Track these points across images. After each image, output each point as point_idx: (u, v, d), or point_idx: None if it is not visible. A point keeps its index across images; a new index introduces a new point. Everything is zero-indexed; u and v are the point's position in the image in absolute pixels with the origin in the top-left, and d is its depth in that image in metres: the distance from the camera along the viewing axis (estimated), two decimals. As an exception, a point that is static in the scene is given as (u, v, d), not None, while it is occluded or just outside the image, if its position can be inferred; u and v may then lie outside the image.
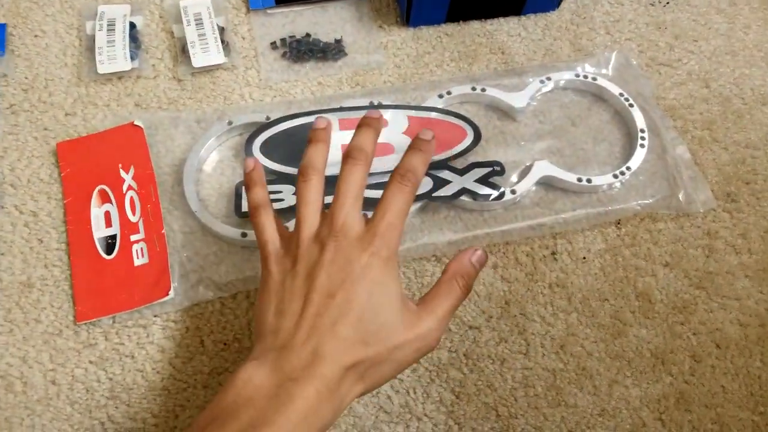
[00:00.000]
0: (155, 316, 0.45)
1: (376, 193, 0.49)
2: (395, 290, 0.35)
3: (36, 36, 0.56)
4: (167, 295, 0.45)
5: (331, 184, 0.48)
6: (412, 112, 0.54)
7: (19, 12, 0.57)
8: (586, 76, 0.57)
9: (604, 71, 0.59)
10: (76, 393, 0.42)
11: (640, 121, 0.55)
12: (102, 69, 0.53)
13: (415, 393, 0.44)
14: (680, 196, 0.52)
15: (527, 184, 0.51)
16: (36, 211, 0.48)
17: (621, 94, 0.57)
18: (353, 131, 0.52)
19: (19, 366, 0.43)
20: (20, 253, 0.46)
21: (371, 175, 0.50)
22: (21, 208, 0.48)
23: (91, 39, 0.56)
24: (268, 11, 0.60)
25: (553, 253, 0.50)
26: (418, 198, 0.49)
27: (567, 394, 0.45)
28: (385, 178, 0.50)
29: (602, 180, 0.52)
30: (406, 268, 0.48)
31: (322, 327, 0.33)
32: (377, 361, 0.34)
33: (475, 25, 0.61)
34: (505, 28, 0.61)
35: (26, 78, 0.54)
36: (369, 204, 0.48)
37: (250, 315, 0.46)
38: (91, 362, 0.43)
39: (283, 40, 0.58)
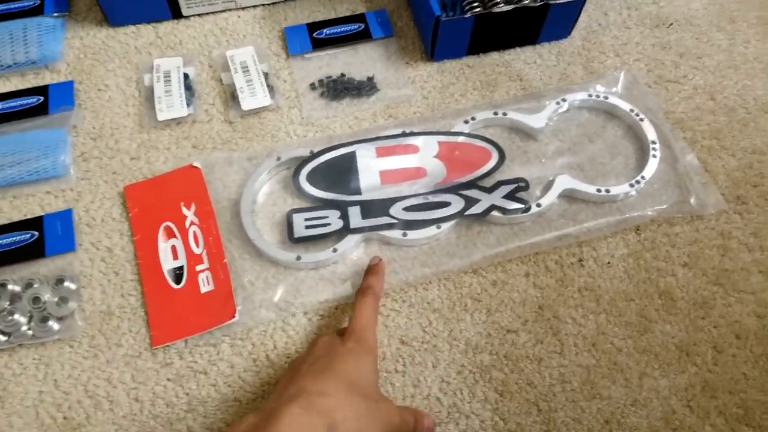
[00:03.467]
0: (224, 335, 0.49)
1: (417, 215, 0.53)
2: (371, 371, 0.42)
3: (99, 90, 0.61)
4: (233, 317, 0.49)
5: (372, 206, 0.53)
6: (442, 138, 0.58)
7: (83, 69, 0.62)
8: (598, 96, 0.61)
9: (614, 90, 0.62)
10: (157, 408, 0.46)
11: (651, 134, 0.59)
12: (161, 116, 0.58)
13: (461, 393, 0.47)
14: (692, 200, 0.55)
15: (551, 197, 0.55)
16: (111, 247, 0.52)
17: (631, 110, 0.60)
18: (389, 158, 0.57)
19: (105, 386, 0.47)
20: (99, 285, 0.51)
21: (409, 197, 0.54)
22: (97, 245, 0.53)
23: (150, 90, 0.60)
24: (306, 56, 0.65)
25: (580, 260, 0.53)
26: (451, 217, 0.53)
27: (601, 388, 0.47)
28: (420, 200, 0.54)
29: (619, 189, 0.55)
30: (447, 281, 0.52)
31: (306, 375, 0.39)
32: (345, 405, 0.37)
33: (494, 56, 0.65)
34: (522, 57, 0.65)
35: (94, 128, 0.59)
36: (411, 225, 0.52)
37: (309, 330, 0.49)
38: (168, 380, 0.47)
39: (320, 80, 0.63)
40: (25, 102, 0.58)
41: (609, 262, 0.53)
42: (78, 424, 0.45)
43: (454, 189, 0.55)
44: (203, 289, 0.50)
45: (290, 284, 0.51)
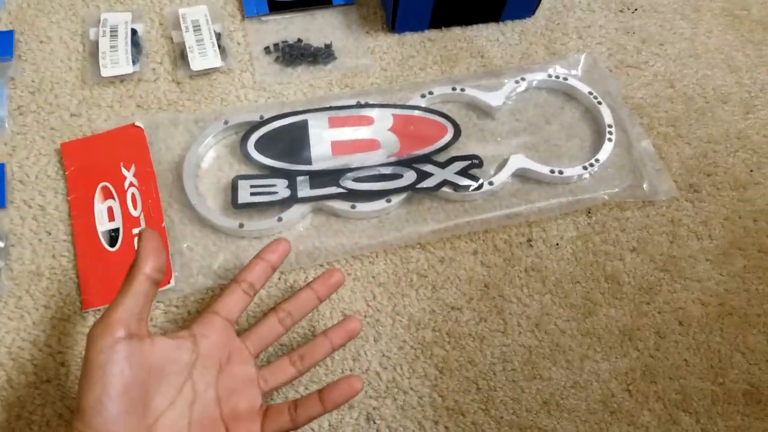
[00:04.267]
0: (158, 301, 0.47)
1: (367, 186, 0.52)
2: None
3: (42, 42, 0.58)
4: (169, 283, 0.47)
5: (322, 176, 0.51)
6: (397, 111, 0.57)
7: (25, 19, 0.59)
8: (557, 77, 0.60)
9: (574, 72, 0.62)
10: (84, 373, 0.44)
11: (608, 118, 0.58)
12: (105, 72, 0.55)
13: (401, 369, 0.46)
14: (645, 186, 0.55)
15: (504, 176, 0.54)
16: (44, 206, 0.50)
17: (590, 93, 0.60)
18: (342, 128, 0.55)
19: (29, 349, 0.44)
20: (29, 245, 0.48)
21: (360, 168, 0.53)
22: (29, 202, 0.50)
23: (95, 44, 0.58)
24: (262, 18, 0.62)
25: (529, 240, 0.52)
26: (402, 190, 0.52)
27: (542, 369, 0.47)
28: (373, 172, 0.53)
29: (573, 171, 0.55)
30: (393, 255, 0.51)
31: None
32: None
33: (456, 31, 0.64)
34: (485, 34, 0.64)
35: (33, 81, 0.56)
36: (361, 196, 0.51)
37: (261, 296, 0.48)
38: (98, 344, 0.45)
39: (276, 45, 0.61)
40: (-41, 49, 0.55)
41: (557, 244, 0.52)
42: (-3, 388, 0.43)
43: (407, 162, 0.54)
44: (139, 253, 0.48)
45: (231, 252, 0.49)
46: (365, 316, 0.48)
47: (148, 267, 0.36)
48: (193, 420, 0.37)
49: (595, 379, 0.47)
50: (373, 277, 0.50)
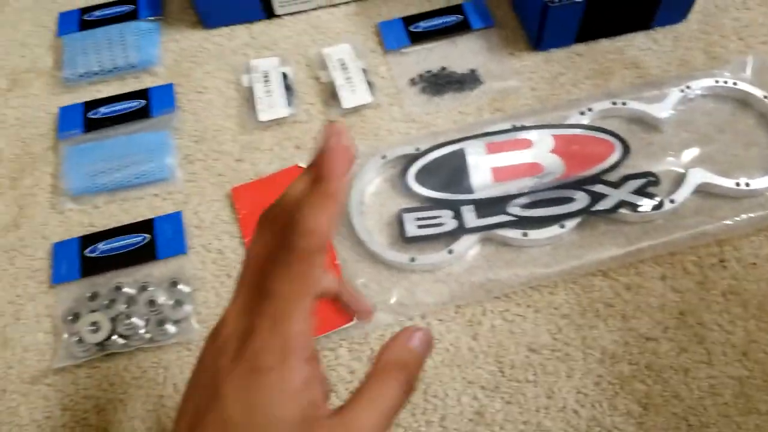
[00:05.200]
0: (341, 339, 0.47)
1: (537, 212, 0.51)
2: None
3: (199, 92, 0.61)
4: (351, 320, 0.47)
5: (487, 205, 0.50)
6: (557, 131, 0.55)
7: (181, 72, 0.63)
8: (726, 82, 0.57)
9: (742, 75, 0.58)
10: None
11: (791, 122, 0.54)
12: (263, 117, 0.58)
13: (601, 406, 0.44)
14: None
15: (685, 193, 0.51)
16: (221, 249, 0.52)
17: (766, 97, 0.56)
18: (501, 153, 0.54)
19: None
20: (212, 288, 0.50)
21: (526, 194, 0.52)
22: (207, 247, 0.52)
23: (248, 90, 0.60)
24: (403, 50, 0.63)
25: (722, 261, 0.49)
26: (576, 214, 0.50)
27: (757, 401, 0.43)
28: (541, 197, 0.51)
29: (761, 183, 0.51)
30: (574, 285, 0.49)
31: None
32: None
33: (604, 43, 0.62)
34: (635, 43, 0.61)
35: (196, 130, 0.59)
36: (532, 223, 0.50)
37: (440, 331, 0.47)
38: (288, 386, 0.46)
39: (420, 75, 0.61)
40: (128, 106, 0.59)
41: (754, 263, 0.49)
42: None
43: (576, 184, 0.52)
44: (316, 293, 0.49)
45: (405, 287, 0.49)
46: (553, 351, 0.46)
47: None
48: None
49: (822, 412, 0.43)
50: (555, 308, 0.48)
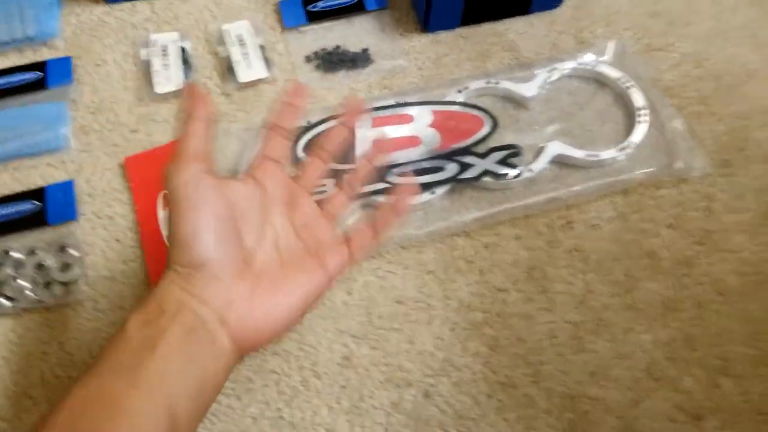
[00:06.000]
0: (226, 296, 0.52)
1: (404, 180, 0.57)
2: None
3: (97, 65, 0.64)
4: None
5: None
6: (436, 107, 0.61)
7: (80, 45, 0.65)
8: (587, 64, 0.64)
9: (603, 59, 0.65)
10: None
11: (639, 101, 0.62)
12: (159, 89, 0.61)
13: (454, 348, 0.51)
14: (679, 164, 0.58)
15: (542, 163, 0.58)
16: (112, 216, 0.56)
17: (620, 78, 0.63)
18: (383, 127, 0.60)
19: (115, 345, 0.50)
20: (101, 252, 0.54)
21: (404, 164, 0.58)
22: (98, 214, 0.56)
23: (147, 64, 0.64)
24: (301, 29, 0.68)
25: (569, 222, 0.56)
26: (445, 182, 0.57)
27: (588, 342, 0.51)
28: (416, 166, 0.57)
29: (608, 154, 0.59)
30: (441, 244, 0.55)
31: None
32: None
33: (487, 27, 0.68)
34: (514, 27, 0.68)
35: (93, 102, 0.62)
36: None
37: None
38: (176, 338, 0.51)
39: (316, 53, 0.66)
40: (24, 77, 0.61)
41: (597, 224, 0.56)
42: (89, 381, 0.49)
43: (448, 155, 0.58)
44: (205, 254, 0.54)
45: (289, 249, 0.55)
46: (417, 302, 0.53)
47: (200, 112, 0.40)
48: (283, 257, 0.42)
49: (639, 349, 0.51)
50: (422, 265, 0.54)
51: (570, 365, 0.50)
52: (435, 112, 0.61)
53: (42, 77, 0.61)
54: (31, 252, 0.52)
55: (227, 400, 0.48)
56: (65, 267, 0.52)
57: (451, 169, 0.57)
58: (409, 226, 0.56)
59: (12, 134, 0.58)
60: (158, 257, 0.54)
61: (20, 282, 0.50)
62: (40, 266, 0.51)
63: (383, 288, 0.53)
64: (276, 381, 0.49)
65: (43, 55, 0.64)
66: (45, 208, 0.55)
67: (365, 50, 0.67)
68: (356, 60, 0.66)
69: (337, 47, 0.67)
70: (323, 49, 0.66)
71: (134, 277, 0.53)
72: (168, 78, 0.62)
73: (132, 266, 0.54)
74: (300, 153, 0.59)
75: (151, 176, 0.57)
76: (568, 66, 0.64)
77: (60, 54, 0.64)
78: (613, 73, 0.64)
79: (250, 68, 0.63)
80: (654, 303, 0.53)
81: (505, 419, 0.48)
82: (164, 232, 0.54)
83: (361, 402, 0.48)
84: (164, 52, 0.64)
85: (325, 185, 0.56)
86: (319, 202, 0.48)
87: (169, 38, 0.65)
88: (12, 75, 0.61)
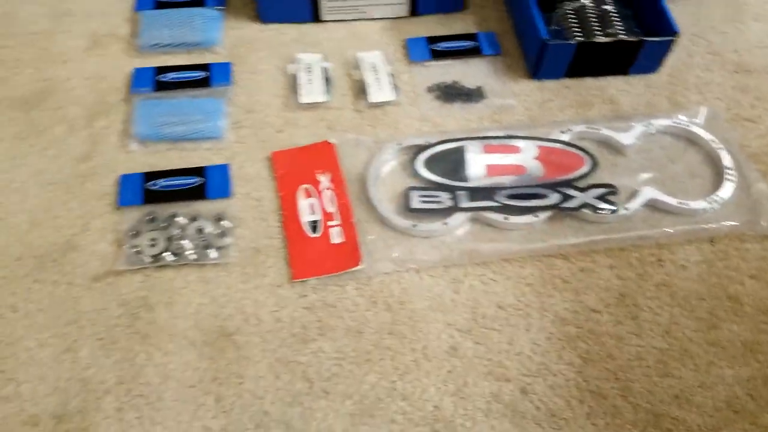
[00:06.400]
0: (350, 279, 0.57)
1: (518, 202, 0.62)
2: None
3: (252, 73, 0.72)
4: (358, 265, 0.58)
5: (479, 192, 0.61)
6: (542, 143, 0.67)
7: (238, 54, 0.74)
8: (680, 123, 0.69)
9: (696, 120, 0.70)
10: (295, 328, 0.55)
11: (727, 161, 0.66)
12: (303, 99, 0.69)
13: (550, 355, 0.54)
14: (762, 222, 0.62)
15: (637, 204, 0.62)
16: (259, 199, 0.62)
17: (711, 140, 0.68)
18: (494, 154, 0.66)
19: (252, 306, 0.56)
20: (249, 227, 0.60)
21: (512, 188, 0.63)
22: (248, 195, 0.63)
23: (293, 77, 0.71)
24: (425, 64, 0.75)
25: (659, 260, 0.60)
26: (549, 208, 0.61)
27: (672, 368, 0.54)
28: (522, 191, 0.62)
29: (698, 205, 0.63)
30: (539, 262, 0.60)
31: None
32: None
33: (589, 81, 0.74)
34: (614, 84, 0.74)
35: (246, 103, 0.69)
36: (513, 210, 0.61)
37: (420, 285, 0.58)
38: (304, 308, 0.56)
39: (437, 85, 0.73)
40: (193, 75, 0.70)
41: (685, 265, 0.60)
42: (230, 332, 0.54)
43: (552, 186, 0.63)
44: (334, 240, 0.59)
45: (405, 246, 0.60)
46: (516, 309, 0.57)
47: None
48: None
49: (720, 382, 0.54)
50: (522, 278, 0.59)
51: (655, 386, 0.53)
52: (540, 147, 0.67)
53: (207, 77, 0.69)
54: (193, 218, 0.59)
55: (349, 366, 0.53)
56: (221, 234, 0.58)
57: (554, 198, 0.62)
58: (512, 242, 0.61)
59: (179, 120, 0.65)
60: (295, 237, 0.59)
61: (184, 242, 0.57)
62: (200, 231, 0.58)
63: (486, 292, 0.58)
64: (391, 357, 0.53)
65: (207, 59, 0.73)
66: (205, 183, 0.62)
67: (479, 87, 0.73)
68: (471, 95, 0.72)
69: (455, 82, 0.74)
70: (443, 83, 0.73)
71: (274, 251, 0.59)
72: (311, 91, 0.70)
73: (274, 242, 0.60)
74: (419, 167, 0.65)
75: (293, 170, 0.64)
76: (663, 123, 0.69)
77: (221, 59, 0.73)
78: (704, 134, 0.69)
79: (380, 91, 0.70)
80: (735, 342, 0.56)
81: (594, 424, 0.51)
82: (303, 218, 0.61)
83: (464, 387, 0.52)
84: (309, 69, 0.71)
85: (439, 197, 0.62)
86: None
87: (313, 58, 0.73)
88: (183, 72, 0.70)
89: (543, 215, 0.61)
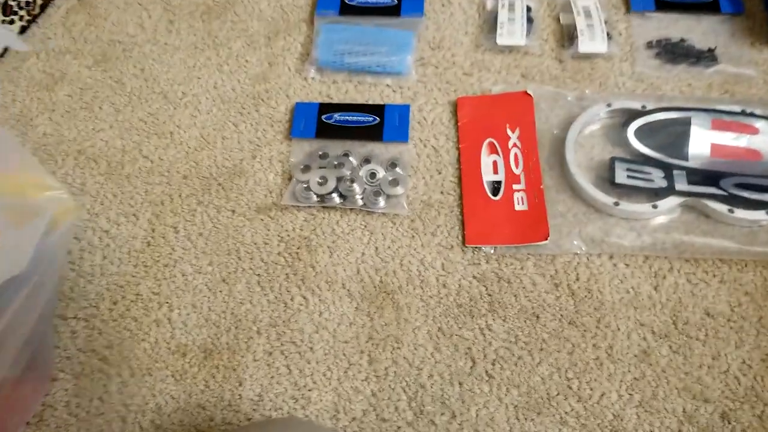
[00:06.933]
0: (530, 254, 0.56)
1: (750, 194, 0.56)
2: None
3: (443, 5, 0.71)
4: (545, 239, 0.56)
5: (700, 174, 0.56)
6: (789, 127, 0.60)
7: (430, -17, 0.73)
8: None
9: None
10: (461, 298, 0.54)
11: None
12: (501, 41, 0.66)
13: (762, 380, 0.50)
14: None
15: None
16: (437, 148, 0.62)
17: None
18: (725, 132, 0.60)
19: (417, 266, 0.56)
20: (423, 178, 0.60)
21: (739, 176, 0.57)
22: (425, 142, 0.62)
23: (490, 14, 0.69)
24: (647, 14, 0.69)
25: None
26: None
27: None
28: (754, 181, 0.56)
29: None
30: (765, 269, 0.54)
31: None
32: None
33: None
34: None
35: (434, 38, 0.69)
36: (741, 202, 0.55)
37: (612, 275, 0.55)
38: (474, 277, 0.55)
39: (658, 41, 0.67)
40: (383, 1, 0.70)
41: None
42: (391, 290, 0.55)
43: (795, 180, 0.57)
44: (517, 207, 0.58)
45: (600, 226, 0.57)
46: (728, 320, 0.52)
47: None
48: None
49: None
50: (741, 285, 0.54)
51: None
52: (786, 132, 0.60)
53: (397, 4, 0.69)
54: (366, 160, 0.60)
55: (519, 351, 0.52)
56: (393, 182, 0.58)
57: (787, 196, 0.56)
58: (733, 240, 0.55)
59: (363, 50, 0.66)
60: (473, 197, 0.58)
61: (354, 185, 0.58)
62: (372, 175, 0.59)
63: (694, 295, 0.54)
64: (570, 351, 0.52)
65: (397, -16, 0.72)
66: (382, 124, 0.62)
67: (711, 50, 0.66)
68: (700, 57, 0.66)
69: (682, 40, 0.67)
70: (667, 39, 0.67)
71: (448, 209, 0.59)
72: (511, 32, 0.67)
73: (448, 198, 0.59)
74: (630, 135, 0.60)
75: (478, 120, 0.63)
76: None
77: (413, -14, 0.72)
78: None
79: (592, 40, 0.66)
80: None
81: (811, 473, 0.47)
82: (485, 177, 0.59)
83: (653, 400, 0.49)
84: (511, 6, 0.69)
85: (651, 173, 0.58)
86: None
87: (515, -6, 0.70)
88: (372, -5, 0.70)
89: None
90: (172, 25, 0.72)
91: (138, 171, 0.63)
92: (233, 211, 0.60)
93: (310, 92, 0.66)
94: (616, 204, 0.57)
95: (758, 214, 0.56)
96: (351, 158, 0.60)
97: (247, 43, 0.70)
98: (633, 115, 0.61)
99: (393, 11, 0.69)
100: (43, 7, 0.74)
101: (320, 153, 0.61)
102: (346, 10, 0.69)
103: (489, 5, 0.70)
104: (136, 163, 0.64)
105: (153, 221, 0.60)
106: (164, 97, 0.67)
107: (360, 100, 0.65)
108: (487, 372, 0.51)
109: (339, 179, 0.59)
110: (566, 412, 0.49)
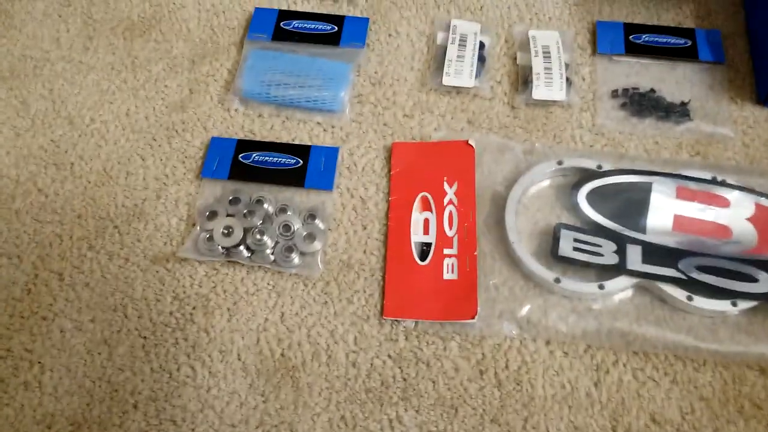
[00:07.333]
0: (455, 333, 0.48)
1: (712, 279, 0.48)
2: None
3: (390, 35, 0.63)
4: (473, 318, 0.48)
5: (657, 252, 0.48)
6: (762, 199, 0.52)
7: (379, 9, 0.64)
8: None
9: None
10: (372, 382, 0.46)
11: None
12: (447, 81, 0.58)
13: None
14: None
15: None
16: (365, 199, 0.54)
17: None
18: (690, 202, 0.52)
19: (327, 338, 0.48)
20: (345, 234, 0.52)
21: (703, 256, 0.49)
22: (352, 192, 0.54)
23: (440, 49, 0.61)
24: (614, 58, 0.61)
25: None
26: (756, 297, 0.47)
27: None
28: (719, 264, 0.48)
29: None
30: (724, 370, 0.46)
31: None
32: None
33: None
34: None
35: (376, 73, 0.61)
36: (702, 289, 0.48)
37: (547, 364, 0.47)
38: (389, 357, 0.47)
39: (625, 90, 0.59)
40: (321, 27, 0.62)
41: None
42: (293, 366, 0.47)
43: (766, 265, 0.49)
44: (446, 276, 0.50)
45: (538, 305, 0.49)
46: (678, 430, 0.44)
47: None
48: None
49: None
50: (696, 387, 0.46)
51: None
52: (759, 206, 0.52)
53: (337, 32, 0.61)
54: (282, 210, 0.52)
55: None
56: (309, 237, 0.50)
57: (765, 282, 0.48)
58: (690, 333, 0.47)
59: (293, 82, 0.58)
60: (398, 261, 0.50)
61: (265, 238, 0.50)
62: (286, 228, 0.51)
63: (640, 396, 0.45)
64: (488, 456, 0.43)
65: (342, 10, 0.64)
66: (306, 168, 0.54)
67: (684, 103, 0.59)
68: (671, 111, 0.58)
69: (652, 90, 0.59)
70: (635, 88, 0.59)
71: (369, 272, 0.50)
72: (459, 71, 0.59)
73: (371, 259, 0.51)
74: (581, 199, 0.52)
75: (414, 170, 0.54)
76: None
77: (358, 13, 0.64)
78: None
79: (548, 86, 0.58)
80: None
81: None
82: (414, 237, 0.51)
83: None
84: (462, 41, 0.61)
85: (601, 247, 0.50)
86: None
87: (470, 28, 0.62)
88: (311, 22, 0.62)
89: (744, 305, 0.48)
90: (91, 41, 0.64)
91: (29, 206, 0.55)
92: (126, 260, 0.52)
93: (231, 126, 0.58)
94: (557, 281, 0.49)
95: (721, 305, 0.48)
96: (266, 205, 0.52)
97: (169, 66, 0.62)
98: (587, 175, 0.53)
99: (332, 39, 0.61)
100: (-46, 12, 0.66)
101: (231, 198, 0.53)
102: (280, 35, 0.61)
103: (439, 39, 0.62)
104: (29, 197, 0.55)
105: (37, 265, 0.52)
106: (70, 122, 0.59)
107: (286, 138, 0.57)
108: (391, 475, 0.43)
109: (247, 230, 0.51)
110: None
